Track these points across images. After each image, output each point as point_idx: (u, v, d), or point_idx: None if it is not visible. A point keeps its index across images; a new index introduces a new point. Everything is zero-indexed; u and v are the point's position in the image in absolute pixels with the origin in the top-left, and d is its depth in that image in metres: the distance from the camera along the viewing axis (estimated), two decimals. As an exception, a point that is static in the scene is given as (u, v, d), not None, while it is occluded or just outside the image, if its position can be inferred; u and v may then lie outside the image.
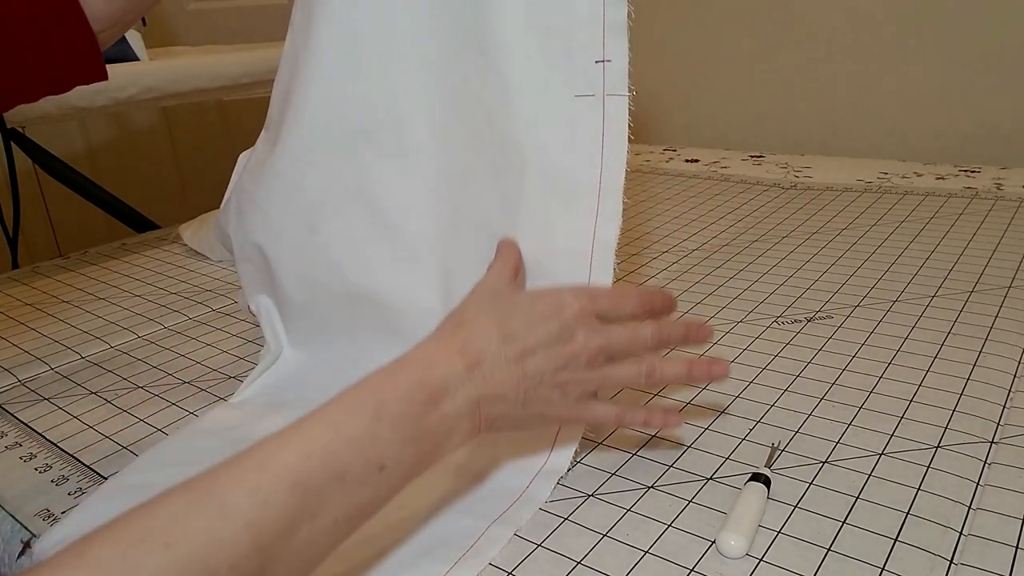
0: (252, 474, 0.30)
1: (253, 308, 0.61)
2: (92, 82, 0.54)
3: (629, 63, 0.45)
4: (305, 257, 0.56)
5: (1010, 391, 0.51)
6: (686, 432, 0.49)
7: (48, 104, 0.90)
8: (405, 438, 0.34)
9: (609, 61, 0.45)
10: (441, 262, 0.53)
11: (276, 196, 0.55)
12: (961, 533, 0.39)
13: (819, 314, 0.65)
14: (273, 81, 0.58)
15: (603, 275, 0.46)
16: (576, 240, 0.47)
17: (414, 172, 0.53)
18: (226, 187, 0.65)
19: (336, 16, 0.51)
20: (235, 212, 0.59)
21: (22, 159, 1.19)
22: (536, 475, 0.45)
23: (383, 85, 0.52)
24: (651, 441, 0.49)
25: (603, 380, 0.40)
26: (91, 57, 0.53)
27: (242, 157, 0.62)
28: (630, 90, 0.45)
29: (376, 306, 0.55)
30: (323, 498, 0.31)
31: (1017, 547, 0.38)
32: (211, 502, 0.29)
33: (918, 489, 0.42)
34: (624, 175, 0.46)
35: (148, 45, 1.15)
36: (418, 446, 0.35)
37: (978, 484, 0.42)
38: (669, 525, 0.41)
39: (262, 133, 0.59)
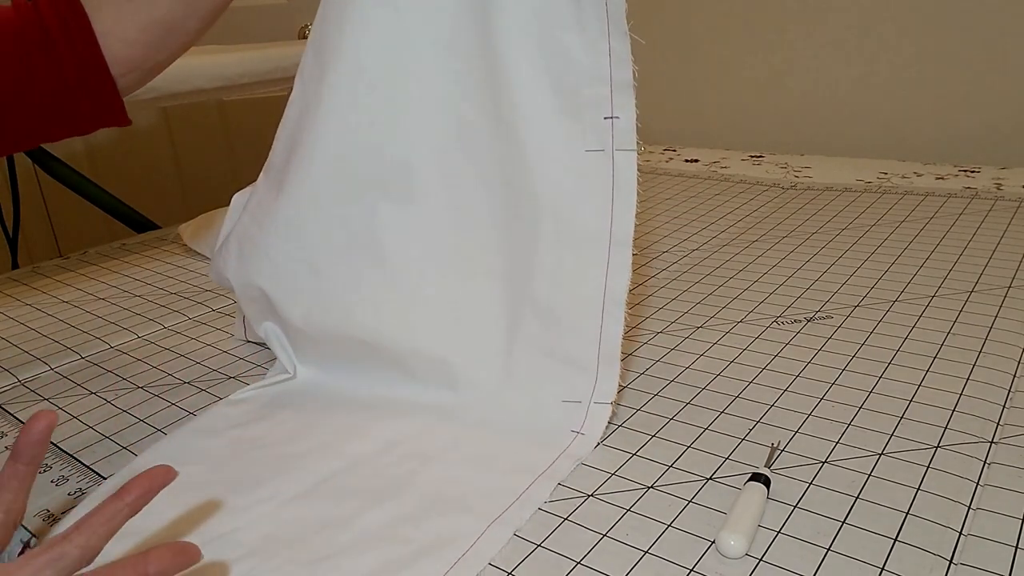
0: None
1: (261, 334, 0.61)
2: (113, 126, 0.54)
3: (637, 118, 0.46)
4: (309, 302, 0.56)
5: (1010, 391, 0.51)
6: (686, 432, 0.49)
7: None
8: None
9: (617, 118, 0.47)
10: (449, 309, 0.54)
11: (281, 241, 0.56)
12: (961, 533, 0.39)
13: (819, 314, 0.65)
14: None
15: (614, 323, 0.48)
16: (588, 288, 0.49)
17: (422, 219, 0.54)
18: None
19: (349, 64, 0.52)
20: (235, 255, 0.58)
21: (22, 159, 1.19)
22: (538, 478, 0.45)
23: (393, 132, 0.53)
24: (651, 441, 0.49)
25: None
26: (111, 103, 0.53)
27: (236, 198, 0.62)
28: (638, 144, 0.46)
29: (383, 351, 0.55)
30: None
31: (1017, 547, 0.38)
32: None
33: (918, 489, 0.42)
34: (633, 226, 0.47)
35: (148, 45, 1.15)
36: None
37: (978, 484, 0.42)
38: (669, 525, 0.41)
39: (261, 176, 0.59)
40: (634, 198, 0.47)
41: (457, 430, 0.50)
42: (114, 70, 0.51)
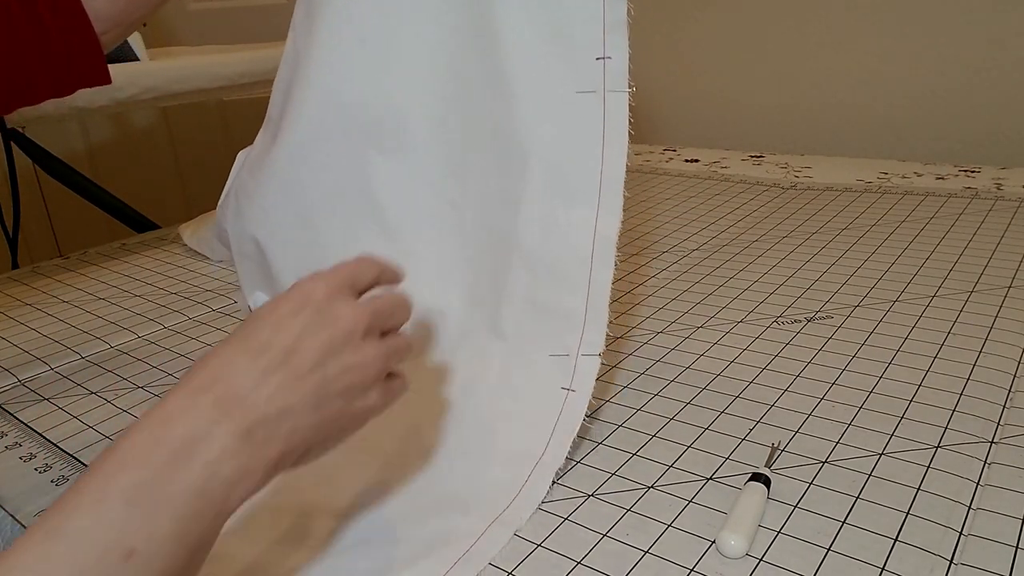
0: None
1: (252, 305, 0.61)
2: (95, 85, 0.54)
3: (629, 60, 0.45)
4: (302, 253, 0.56)
5: (1010, 391, 0.51)
6: (686, 432, 0.49)
7: (48, 104, 0.89)
8: (150, 512, 0.27)
9: (609, 58, 0.46)
10: (440, 259, 0.53)
11: (274, 192, 0.56)
12: (961, 533, 0.39)
13: (819, 314, 0.65)
14: (273, 81, 0.58)
15: (604, 269, 0.47)
16: (577, 234, 0.48)
17: (414, 169, 0.53)
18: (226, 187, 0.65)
19: (339, 15, 0.51)
20: (233, 208, 0.59)
21: (22, 159, 1.19)
22: (534, 468, 0.45)
23: (385, 84, 0.52)
24: (651, 441, 0.49)
25: (392, 352, 0.35)
26: (94, 60, 0.52)
27: (240, 155, 0.62)
28: (630, 86, 0.45)
29: None
30: None
31: (1017, 547, 0.38)
32: None
33: (918, 489, 0.42)
34: (625, 169, 0.46)
35: (148, 45, 1.15)
36: (174, 513, 0.28)
37: (978, 484, 0.42)
38: (669, 525, 0.41)
39: (260, 131, 0.59)
40: (626, 140, 0.46)
41: (450, 403, 0.50)
42: (96, 27, 0.51)
